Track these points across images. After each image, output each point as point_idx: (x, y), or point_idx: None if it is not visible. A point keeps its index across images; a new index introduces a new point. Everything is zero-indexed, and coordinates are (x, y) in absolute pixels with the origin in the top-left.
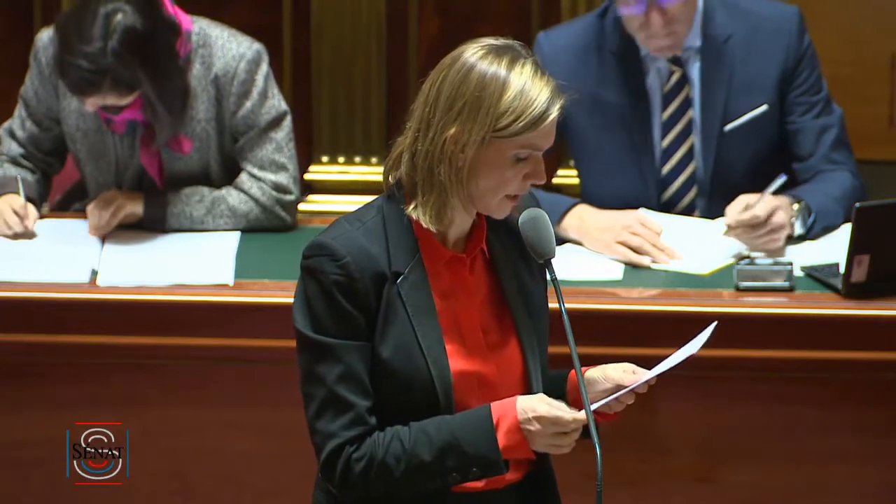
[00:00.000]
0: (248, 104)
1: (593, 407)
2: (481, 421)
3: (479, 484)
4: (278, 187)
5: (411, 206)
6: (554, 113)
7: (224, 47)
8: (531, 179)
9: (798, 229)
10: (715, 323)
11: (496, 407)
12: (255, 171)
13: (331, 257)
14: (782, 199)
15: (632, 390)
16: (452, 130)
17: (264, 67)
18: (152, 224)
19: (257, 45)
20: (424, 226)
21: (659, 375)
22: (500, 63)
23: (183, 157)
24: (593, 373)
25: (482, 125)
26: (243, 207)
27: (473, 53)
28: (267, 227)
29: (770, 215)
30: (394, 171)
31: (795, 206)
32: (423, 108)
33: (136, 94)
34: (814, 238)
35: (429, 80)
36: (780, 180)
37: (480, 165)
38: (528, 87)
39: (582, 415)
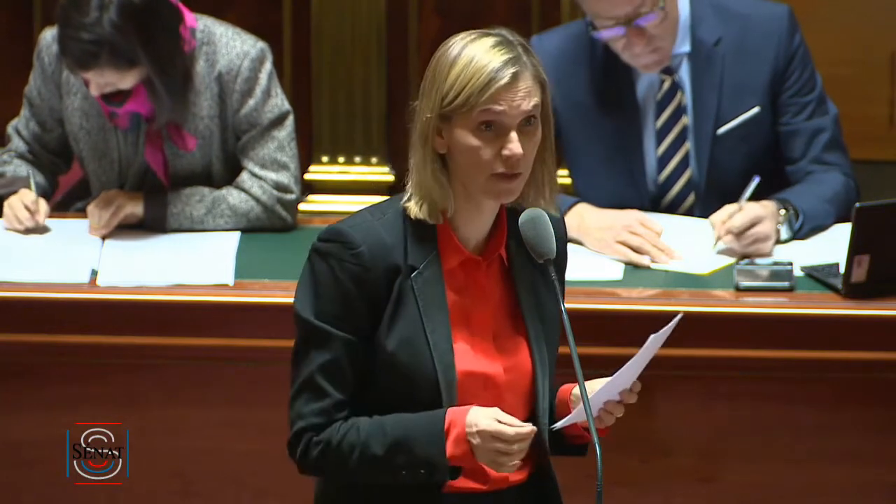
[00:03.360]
0: (252, 102)
1: (561, 423)
2: (433, 423)
3: (481, 484)
4: (279, 186)
5: (407, 199)
6: (504, 78)
7: (228, 45)
8: (507, 152)
9: (784, 234)
10: (680, 315)
11: (451, 413)
12: (257, 169)
13: (346, 244)
14: (767, 208)
15: (609, 400)
16: (422, 115)
17: (268, 66)
18: (152, 224)
19: (261, 44)
20: (413, 217)
21: (638, 378)
22: (461, 43)
23: (186, 154)
24: (579, 390)
25: (433, 102)
26: (244, 207)
27: (451, 39)
28: (268, 226)
29: (752, 225)
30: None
31: (782, 213)
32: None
33: (137, 74)
34: (803, 238)
35: None
36: (754, 183)
37: (452, 143)
38: (477, 58)
39: (527, 427)
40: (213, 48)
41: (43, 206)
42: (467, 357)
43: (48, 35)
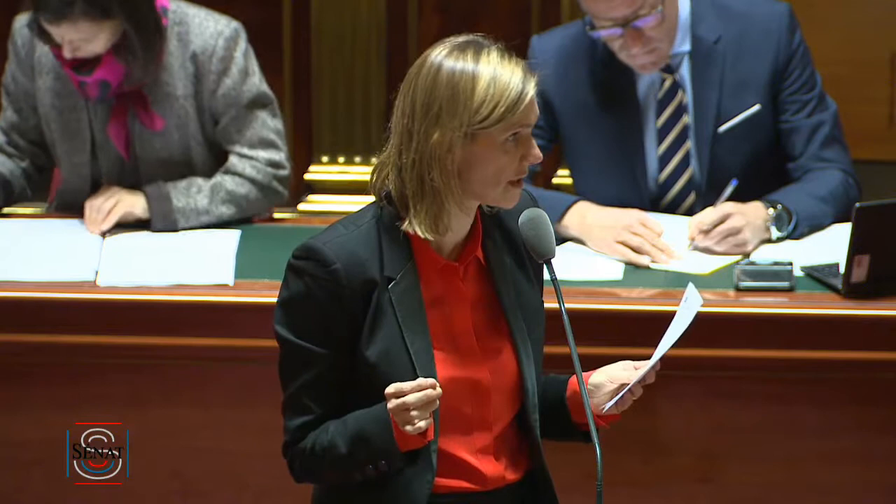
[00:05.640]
0: (229, 81)
1: (606, 407)
2: (382, 412)
3: (476, 485)
4: (272, 163)
5: (406, 223)
6: (531, 90)
7: (201, 25)
8: (527, 160)
9: (775, 233)
10: (690, 284)
11: None
12: (245, 150)
13: (321, 263)
14: (745, 206)
15: (640, 381)
16: (436, 135)
17: (242, 44)
18: (161, 222)
19: (235, 24)
20: (422, 237)
21: (661, 359)
22: (466, 57)
23: (162, 136)
24: (598, 377)
25: (462, 121)
26: (241, 190)
27: (438, 55)
28: (265, 205)
29: (721, 221)
30: (381, 188)
31: (770, 211)
32: (400, 121)
33: (110, 30)
34: (801, 237)
35: (400, 93)
36: (731, 187)
37: (473, 160)
38: (498, 72)
39: (426, 381)
40: (186, 28)
41: None
42: (452, 364)
43: (20, 19)
